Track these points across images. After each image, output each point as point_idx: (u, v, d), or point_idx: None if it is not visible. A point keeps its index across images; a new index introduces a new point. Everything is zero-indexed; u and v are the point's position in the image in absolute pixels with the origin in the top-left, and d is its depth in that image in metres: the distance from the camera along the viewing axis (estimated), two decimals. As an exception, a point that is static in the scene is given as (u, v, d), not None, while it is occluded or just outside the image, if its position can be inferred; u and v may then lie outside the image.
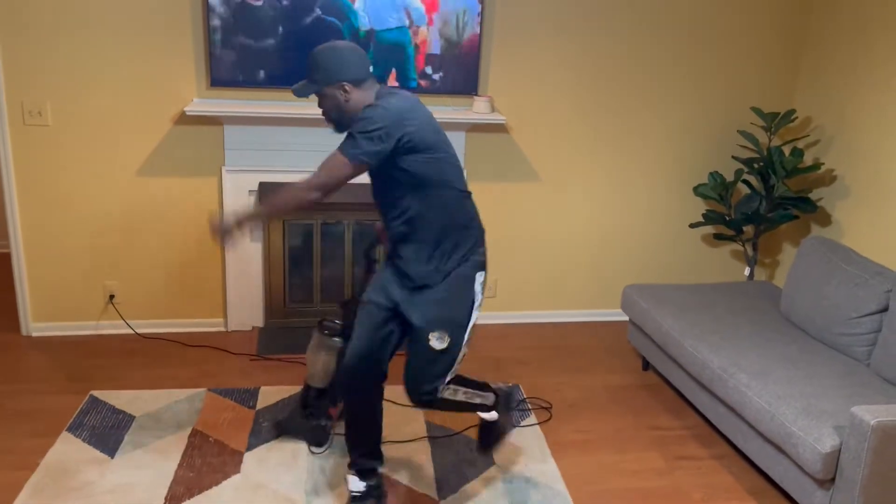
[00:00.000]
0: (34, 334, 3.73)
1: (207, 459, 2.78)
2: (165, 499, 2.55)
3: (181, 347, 3.67)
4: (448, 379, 2.39)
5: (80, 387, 3.24)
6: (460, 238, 2.34)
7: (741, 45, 3.98)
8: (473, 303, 2.37)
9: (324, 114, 2.35)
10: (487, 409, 2.60)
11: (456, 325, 2.33)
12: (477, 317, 2.38)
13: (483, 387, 2.58)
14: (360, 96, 2.27)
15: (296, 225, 3.82)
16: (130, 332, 3.79)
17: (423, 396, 2.38)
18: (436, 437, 3.01)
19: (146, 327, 3.81)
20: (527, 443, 3.03)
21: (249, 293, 3.87)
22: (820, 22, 3.92)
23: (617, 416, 3.27)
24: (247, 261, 3.81)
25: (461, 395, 2.47)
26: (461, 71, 3.70)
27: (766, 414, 2.63)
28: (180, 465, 2.73)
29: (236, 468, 2.75)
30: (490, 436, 2.68)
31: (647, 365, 3.72)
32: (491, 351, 3.83)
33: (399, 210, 2.30)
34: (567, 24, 3.78)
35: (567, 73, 3.86)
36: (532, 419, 3.21)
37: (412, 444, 2.96)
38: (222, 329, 3.90)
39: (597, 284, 4.26)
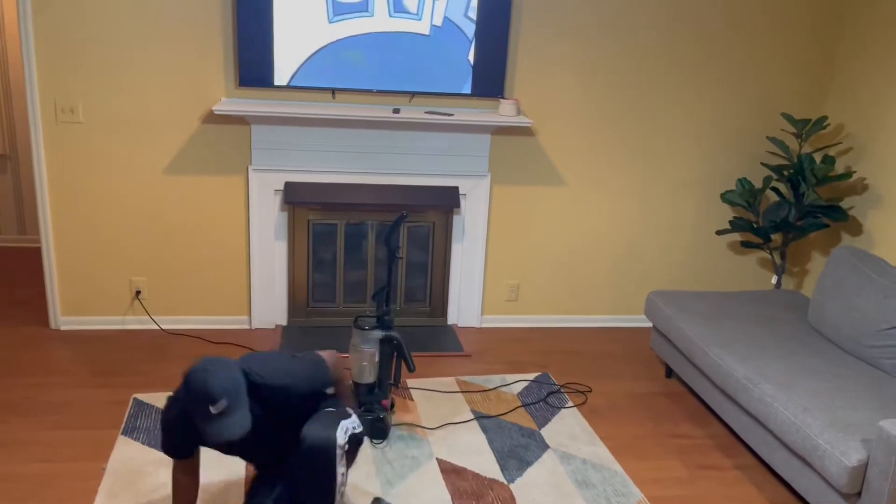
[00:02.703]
0: (62, 328, 3.79)
1: None
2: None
3: (206, 344, 3.71)
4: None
5: (108, 381, 3.29)
6: None
7: (773, 48, 3.93)
8: None
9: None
10: None
11: None
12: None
13: None
14: None
15: (320, 225, 3.85)
16: (156, 327, 3.83)
17: None
18: (484, 421, 3.18)
19: (171, 323, 3.86)
20: (571, 426, 3.17)
21: (273, 292, 3.89)
22: (855, 27, 3.86)
23: (638, 423, 3.24)
24: (271, 260, 3.84)
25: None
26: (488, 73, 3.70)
27: (791, 425, 2.59)
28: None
29: None
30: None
31: (669, 372, 3.68)
32: (511, 354, 3.82)
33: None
34: (595, 28, 3.76)
35: (594, 77, 3.84)
36: (570, 402, 3.37)
37: (467, 433, 3.07)
38: (246, 326, 3.93)
39: (620, 290, 4.23)
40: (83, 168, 3.59)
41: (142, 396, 3.18)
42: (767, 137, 3.96)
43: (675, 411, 3.37)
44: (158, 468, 2.71)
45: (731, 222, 4.00)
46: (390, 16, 3.54)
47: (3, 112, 4.71)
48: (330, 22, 3.50)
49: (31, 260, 4.56)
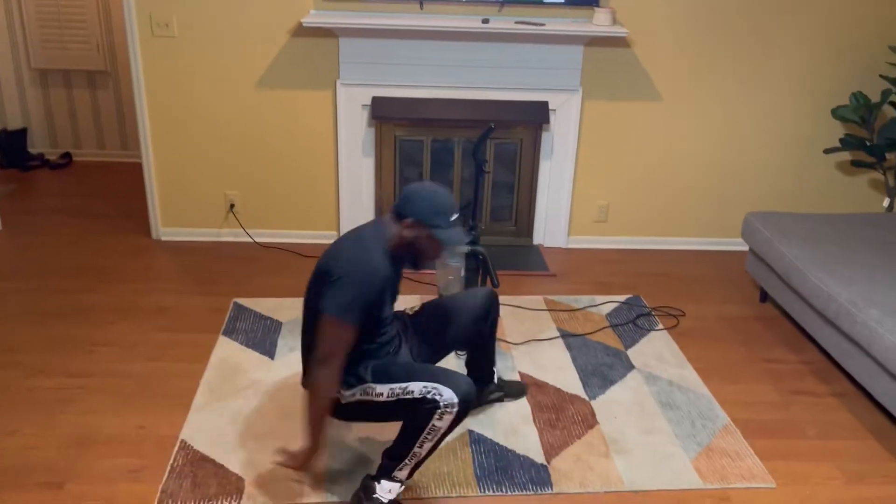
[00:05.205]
0: (163, 238, 3.97)
1: None
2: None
3: (296, 257, 3.81)
4: None
5: (207, 288, 3.44)
6: None
7: (901, -52, 3.56)
8: None
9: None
10: None
11: None
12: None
13: None
14: None
15: (406, 142, 3.83)
16: (249, 240, 3.96)
17: None
18: (570, 339, 3.16)
19: (264, 237, 3.97)
20: (659, 348, 3.12)
21: (361, 206, 3.93)
22: None
23: (730, 347, 3.16)
24: (359, 175, 3.86)
25: None
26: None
27: (898, 352, 2.45)
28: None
29: None
30: None
31: (764, 296, 3.54)
32: (599, 276, 3.76)
33: None
34: (701, -72, 3.49)
35: (698, -18, 3.59)
36: (660, 325, 3.30)
37: (551, 350, 3.07)
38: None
39: (715, 212, 4.06)
40: (178, 83, 3.67)
41: (242, 301, 3.31)
42: (890, 47, 3.63)
43: (770, 336, 3.26)
44: (255, 367, 2.85)
45: (841, 140, 3.74)
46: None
47: (103, 29, 4.85)
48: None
49: (133, 174, 4.75)
